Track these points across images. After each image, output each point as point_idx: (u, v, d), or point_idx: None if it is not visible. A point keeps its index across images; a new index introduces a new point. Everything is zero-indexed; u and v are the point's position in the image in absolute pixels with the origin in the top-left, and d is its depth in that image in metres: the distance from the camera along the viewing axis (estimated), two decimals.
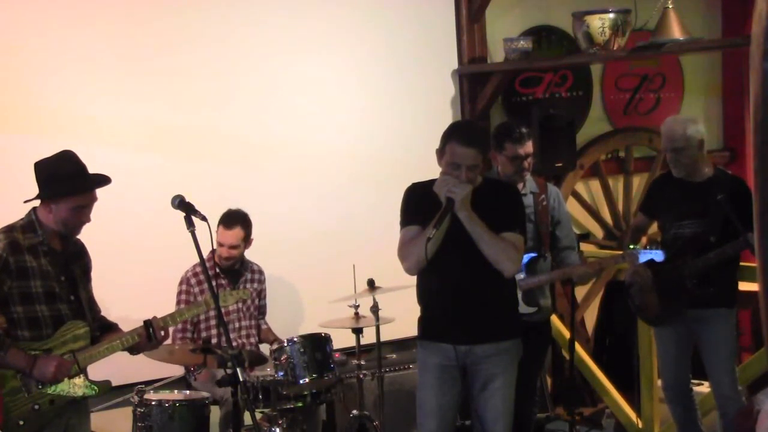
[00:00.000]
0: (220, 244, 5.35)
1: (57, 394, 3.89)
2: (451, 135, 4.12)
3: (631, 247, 5.10)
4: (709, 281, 4.86)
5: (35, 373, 3.83)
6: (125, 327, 4.14)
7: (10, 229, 3.93)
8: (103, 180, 4.01)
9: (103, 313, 4.23)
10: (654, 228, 5.57)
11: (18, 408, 3.83)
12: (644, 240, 5.48)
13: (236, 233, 5.36)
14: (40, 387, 3.86)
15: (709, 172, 4.98)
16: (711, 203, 4.83)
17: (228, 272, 5.46)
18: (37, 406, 3.85)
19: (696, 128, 4.92)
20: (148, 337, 4.06)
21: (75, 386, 3.94)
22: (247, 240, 5.43)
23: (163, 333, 4.11)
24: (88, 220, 4.00)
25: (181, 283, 5.43)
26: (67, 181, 3.92)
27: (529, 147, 4.95)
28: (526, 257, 4.91)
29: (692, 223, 4.94)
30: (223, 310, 4.27)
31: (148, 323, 4.07)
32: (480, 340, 4.17)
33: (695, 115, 6.04)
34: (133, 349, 4.13)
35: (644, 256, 5.02)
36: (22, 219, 3.98)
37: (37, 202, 3.98)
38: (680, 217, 4.99)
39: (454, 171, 4.06)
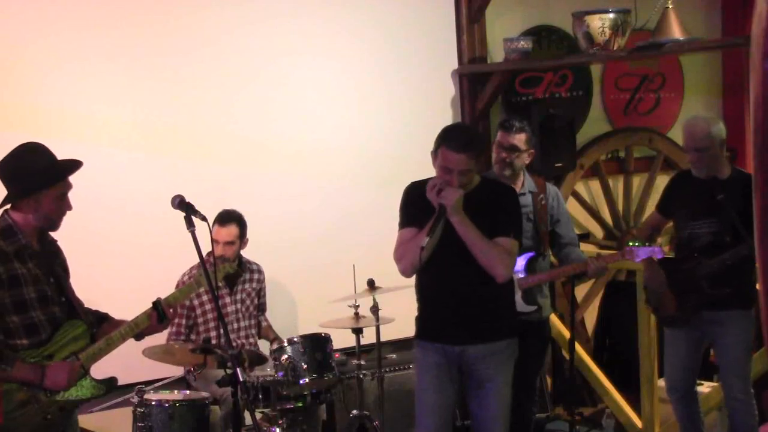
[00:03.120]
0: (216, 243, 5.34)
1: (66, 399, 3.75)
2: (443, 140, 4.11)
3: (630, 244, 5.07)
4: (723, 282, 4.80)
5: (47, 383, 3.67)
6: None
7: None
8: (75, 164, 3.83)
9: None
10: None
11: (30, 420, 3.66)
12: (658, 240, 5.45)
13: (231, 230, 5.35)
14: (48, 395, 3.70)
15: (727, 172, 4.92)
16: (726, 203, 4.76)
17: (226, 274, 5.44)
18: (49, 416, 3.70)
19: (718, 127, 4.87)
20: (158, 318, 3.96)
21: (82, 388, 3.79)
22: (242, 238, 5.42)
23: (172, 311, 4.02)
24: (70, 208, 3.83)
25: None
26: (43, 172, 3.74)
27: (514, 139, 4.92)
28: (525, 256, 4.91)
29: (708, 223, 4.88)
30: (222, 311, 4.24)
31: (156, 303, 3.98)
32: (474, 341, 4.17)
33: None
34: (141, 334, 4.01)
35: (643, 253, 4.98)
36: None
37: (8, 205, 3.77)
38: (695, 216, 4.93)
39: (446, 175, 4.07)
